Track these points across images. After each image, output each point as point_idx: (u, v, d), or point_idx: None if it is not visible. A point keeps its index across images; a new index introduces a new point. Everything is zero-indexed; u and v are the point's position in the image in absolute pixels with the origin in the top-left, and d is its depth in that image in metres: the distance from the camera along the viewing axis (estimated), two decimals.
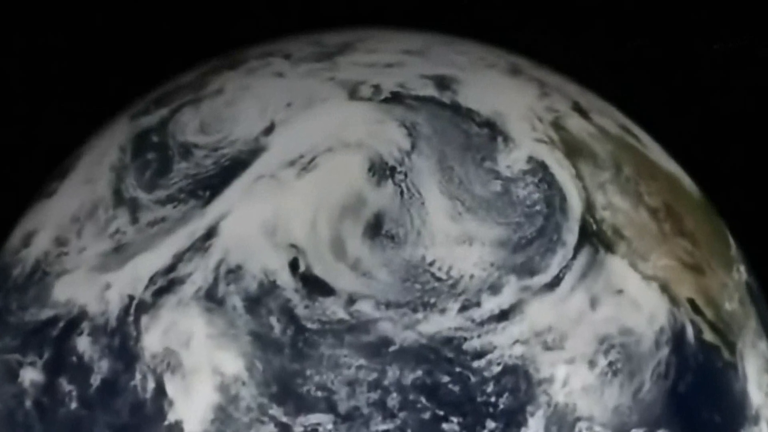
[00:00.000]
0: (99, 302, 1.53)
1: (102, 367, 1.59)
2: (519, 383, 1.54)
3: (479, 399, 1.52)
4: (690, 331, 1.59)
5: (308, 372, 1.50)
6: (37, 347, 1.63)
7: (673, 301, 1.57)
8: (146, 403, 1.53)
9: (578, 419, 1.53)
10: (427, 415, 1.47)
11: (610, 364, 1.57)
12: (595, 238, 1.51)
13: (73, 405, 1.63)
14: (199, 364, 1.55)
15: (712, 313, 1.63)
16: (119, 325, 1.53)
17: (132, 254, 1.50)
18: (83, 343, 1.57)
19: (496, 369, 1.52)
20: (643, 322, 1.54)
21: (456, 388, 1.51)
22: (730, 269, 1.69)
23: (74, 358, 1.61)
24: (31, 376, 1.62)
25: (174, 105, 1.61)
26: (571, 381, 1.57)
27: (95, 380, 1.60)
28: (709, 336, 1.62)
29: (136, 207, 1.52)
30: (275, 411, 1.52)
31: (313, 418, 1.49)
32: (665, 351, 1.56)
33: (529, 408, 1.54)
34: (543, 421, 1.52)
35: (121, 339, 1.55)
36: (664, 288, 1.56)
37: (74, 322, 1.57)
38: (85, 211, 1.57)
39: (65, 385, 1.62)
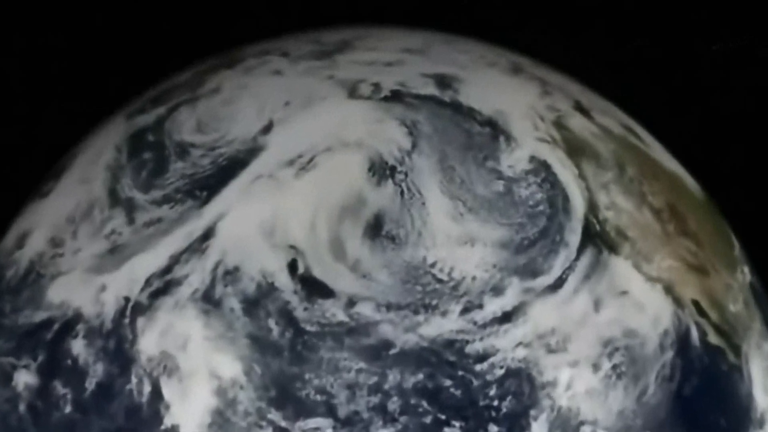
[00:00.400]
0: (94, 304, 1.50)
1: (97, 371, 1.56)
2: (522, 387, 1.51)
3: (482, 403, 1.49)
4: (695, 334, 1.56)
5: (307, 375, 1.47)
6: (30, 350, 1.59)
7: (678, 302, 1.54)
8: (142, 407, 1.50)
9: (582, 423, 1.50)
10: (428, 420, 1.44)
11: (615, 367, 1.54)
12: (598, 239, 1.48)
13: (68, 409, 1.59)
14: (196, 367, 1.52)
15: (716, 315, 1.60)
16: (115, 328, 1.50)
17: (128, 255, 1.47)
18: (78, 346, 1.54)
19: (499, 372, 1.50)
20: (648, 324, 1.51)
21: (458, 392, 1.48)
22: (734, 270, 1.66)
23: (69, 361, 1.57)
24: (24, 379, 1.59)
25: (171, 104, 1.58)
26: (575, 384, 1.54)
27: (90, 384, 1.57)
28: (714, 338, 1.59)
29: (132, 207, 1.49)
30: (274, 415, 1.49)
31: (312, 423, 1.46)
32: (670, 354, 1.53)
33: (533, 412, 1.51)
34: (546, 426, 1.49)
35: (117, 342, 1.51)
36: (669, 289, 1.52)
37: (69, 324, 1.53)
38: (81, 212, 1.53)
39: (60, 389, 1.59)
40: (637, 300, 1.49)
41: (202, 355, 1.50)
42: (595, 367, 1.53)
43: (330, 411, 1.48)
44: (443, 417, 1.45)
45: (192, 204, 1.45)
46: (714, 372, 1.59)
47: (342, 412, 1.48)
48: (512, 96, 1.58)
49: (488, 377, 1.50)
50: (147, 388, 1.53)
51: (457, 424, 1.46)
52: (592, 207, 1.49)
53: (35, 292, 1.58)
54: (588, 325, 1.47)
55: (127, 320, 1.49)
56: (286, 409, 1.51)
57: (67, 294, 1.54)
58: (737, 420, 1.68)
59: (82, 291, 1.51)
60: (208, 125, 1.54)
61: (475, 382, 1.48)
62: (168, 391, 1.54)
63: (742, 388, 1.65)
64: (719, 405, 1.63)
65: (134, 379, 1.53)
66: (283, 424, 1.46)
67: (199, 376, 1.51)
